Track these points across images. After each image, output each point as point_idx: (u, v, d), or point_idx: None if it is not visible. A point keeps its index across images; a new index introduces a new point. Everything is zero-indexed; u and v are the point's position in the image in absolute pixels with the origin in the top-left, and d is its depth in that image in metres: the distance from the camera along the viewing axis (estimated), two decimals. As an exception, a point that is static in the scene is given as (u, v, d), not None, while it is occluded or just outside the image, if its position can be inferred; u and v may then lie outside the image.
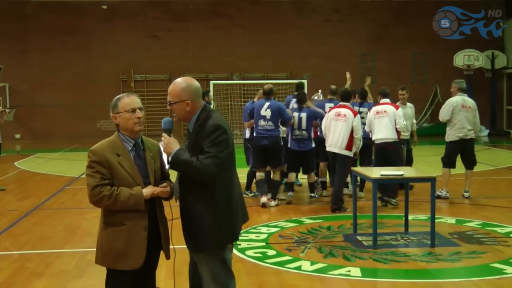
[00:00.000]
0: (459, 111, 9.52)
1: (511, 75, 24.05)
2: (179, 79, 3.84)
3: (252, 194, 9.98)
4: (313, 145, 9.49)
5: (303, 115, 9.35)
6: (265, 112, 9.16)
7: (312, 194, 9.78)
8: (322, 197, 9.91)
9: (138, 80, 23.62)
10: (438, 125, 19.97)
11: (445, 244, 6.83)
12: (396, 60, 23.58)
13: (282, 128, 9.58)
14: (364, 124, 9.40)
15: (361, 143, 8.88)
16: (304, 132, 9.34)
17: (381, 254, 6.42)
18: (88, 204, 3.91)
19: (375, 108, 9.27)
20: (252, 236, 7.24)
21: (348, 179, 9.56)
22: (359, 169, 7.83)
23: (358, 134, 8.64)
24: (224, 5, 23.71)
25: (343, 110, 8.72)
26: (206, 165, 3.60)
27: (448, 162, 9.72)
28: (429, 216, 6.84)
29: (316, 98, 9.92)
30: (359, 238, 7.17)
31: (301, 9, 23.87)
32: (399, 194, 9.48)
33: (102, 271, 3.90)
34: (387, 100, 9.28)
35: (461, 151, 9.68)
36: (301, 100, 9.46)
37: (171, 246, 3.91)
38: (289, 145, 9.50)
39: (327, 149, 8.89)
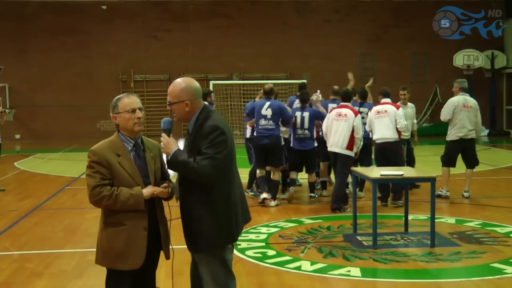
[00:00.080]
0: (460, 110, 9.52)
1: (511, 75, 24.05)
2: (178, 80, 3.84)
3: (253, 193, 9.98)
4: (315, 144, 9.53)
5: (306, 114, 9.42)
6: (266, 111, 9.18)
7: (312, 194, 9.79)
8: (322, 197, 9.91)
9: (137, 80, 23.62)
10: (438, 125, 20.03)
11: (445, 244, 6.83)
12: (395, 60, 23.59)
13: (282, 128, 9.59)
14: (364, 124, 9.40)
15: (362, 143, 8.88)
16: (306, 132, 9.40)
17: (381, 254, 6.42)
18: (88, 204, 3.91)
19: (376, 108, 9.27)
20: (252, 236, 7.25)
21: (349, 179, 9.57)
22: (359, 169, 7.83)
23: (359, 134, 8.65)
24: (223, 5, 23.72)
25: (344, 110, 8.74)
26: (203, 166, 3.60)
27: (448, 161, 9.73)
28: (429, 216, 6.84)
29: (315, 98, 9.94)
30: (359, 238, 7.17)
31: (301, 9, 23.88)
32: (391, 194, 9.50)
33: (102, 271, 3.90)
34: (388, 100, 9.28)
35: (462, 151, 9.69)
36: (304, 100, 9.50)
37: (170, 246, 3.91)
38: (291, 145, 9.54)
39: (329, 149, 8.90)
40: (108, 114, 3.90)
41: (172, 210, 3.91)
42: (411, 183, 9.73)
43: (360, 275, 5.79)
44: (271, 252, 6.60)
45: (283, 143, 9.55)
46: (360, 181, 9.53)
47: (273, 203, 9.18)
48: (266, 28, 23.68)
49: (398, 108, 9.19)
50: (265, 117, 9.19)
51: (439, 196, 9.48)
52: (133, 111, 3.75)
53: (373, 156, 9.72)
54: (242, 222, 3.90)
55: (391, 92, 9.51)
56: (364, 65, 23.31)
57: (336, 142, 8.71)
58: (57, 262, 6.45)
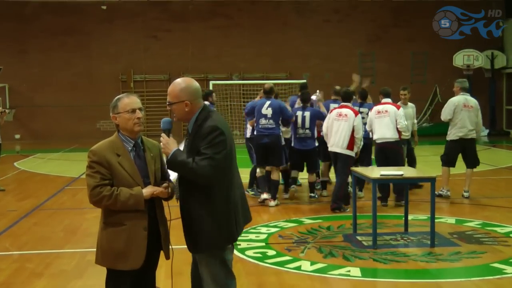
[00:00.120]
0: (461, 110, 9.52)
1: (510, 75, 24.06)
2: (178, 80, 3.84)
3: (253, 193, 9.99)
4: (316, 144, 9.55)
5: (307, 114, 9.46)
6: (266, 110, 9.20)
7: (312, 194, 9.79)
8: (322, 197, 9.91)
9: (137, 80, 23.62)
10: (437, 125, 20.04)
11: (445, 244, 6.83)
12: (395, 60, 23.60)
13: (283, 129, 9.62)
14: (365, 124, 9.41)
15: (362, 143, 8.89)
16: (307, 131, 9.44)
17: (381, 254, 6.42)
18: (88, 204, 3.91)
19: (377, 108, 9.28)
20: (252, 236, 7.25)
21: (350, 179, 9.57)
22: (359, 169, 7.83)
23: (359, 134, 8.66)
24: (223, 5, 23.72)
25: (345, 110, 8.75)
26: (202, 167, 3.59)
27: (447, 161, 9.74)
28: (429, 216, 6.84)
29: (314, 98, 9.96)
30: (359, 238, 7.17)
31: (301, 9, 23.88)
32: (394, 195, 9.51)
33: (102, 271, 3.90)
34: (389, 100, 9.29)
35: (462, 151, 9.70)
36: (305, 100, 9.53)
37: (170, 246, 3.91)
38: (292, 144, 9.57)
39: (329, 149, 8.91)
40: (108, 114, 3.90)
41: (172, 210, 3.92)
42: (414, 184, 9.76)
43: (360, 275, 5.79)
44: (271, 252, 6.60)
45: (283, 143, 9.58)
46: (359, 181, 9.55)
47: (272, 203, 9.18)
48: (266, 28, 23.68)
49: (398, 108, 9.20)
50: (265, 116, 9.21)
51: (440, 196, 9.52)
52: (133, 111, 3.75)
53: (373, 156, 9.73)
54: (243, 222, 3.90)
55: (391, 92, 9.51)
56: (364, 65, 23.31)
57: (336, 142, 8.73)
58: (57, 262, 6.45)
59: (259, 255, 6.49)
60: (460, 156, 9.77)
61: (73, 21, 23.11)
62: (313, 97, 10.02)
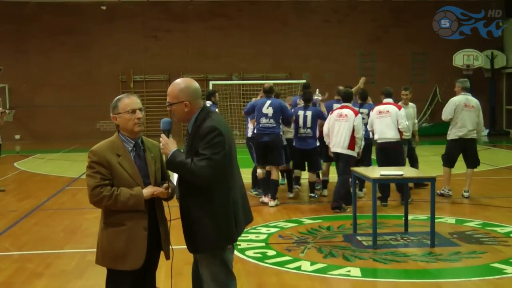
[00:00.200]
0: (461, 110, 9.53)
1: (510, 75, 24.06)
2: (178, 80, 3.84)
3: (256, 193, 9.98)
4: (318, 144, 9.56)
5: (308, 113, 9.48)
6: (267, 110, 9.22)
7: (312, 194, 9.79)
8: (322, 196, 9.92)
9: (137, 80, 23.62)
10: (438, 125, 20.06)
11: (445, 244, 6.83)
12: (395, 60, 23.61)
13: (285, 128, 9.65)
14: (365, 124, 9.42)
15: (363, 142, 8.90)
16: (308, 130, 9.46)
17: (381, 254, 6.42)
18: (88, 205, 3.91)
19: (378, 108, 9.29)
20: (252, 237, 7.25)
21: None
22: (359, 169, 7.83)
23: (359, 134, 8.68)
24: (223, 6, 23.72)
25: (345, 111, 8.78)
26: (200, 167, 3.59)
27: (447, 161, 9.76)
28: (429, 216, 6.84)
29: (314, 97, 9.98)
30: (359, 238, 7.17)
31: (301, 9, 23.88)
32: (398, 195, 9.51)
33: (102, 272, 3.90)
34: (390, 100, 9.30)
35: (463, 151, 9.70)
36: (307, 99, 9.55)
37: (170, 247, 3.91)
38: (293, 143, 9.63)
39: (331, 149, 8.93)
40: (108, 115, 3.90)
41: (172, 210, 3.92)
42: (420, 183, 9.77)
43: (360, 275, 5.79)
44: (271, 252, 6.60)
45: (285, 142, 9.62)
46: (360, 181, 9.56)
47: (272, 203, 9.18)
48: (265, 28, 23.68)
49: (400, 108, 9.20)
50: (266, 115, 9.23)
51: (442, 195, 9.59)
52: (133, 111, 3.75)
53: (373, 156, 9.73)
54: (243, 223, 3.89)
55: (393, 92, 9.52)
56: (364, 65, 23.32)
57: (338, 142, 8.76)
58: (57, 263, 6.45)
59: (259, 255, 6.49)
60: (460, 156, 9.78)
61: (73, 21, 23.12)
62: (316, 97, 10.05)
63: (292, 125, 9.59)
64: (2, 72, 22.32)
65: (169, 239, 3.93)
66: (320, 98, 10.16)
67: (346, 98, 9.07)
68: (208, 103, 10.27)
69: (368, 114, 9.65)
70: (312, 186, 9.82)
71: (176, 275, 4.12)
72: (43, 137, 23.06)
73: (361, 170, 7.66)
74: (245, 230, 3.97)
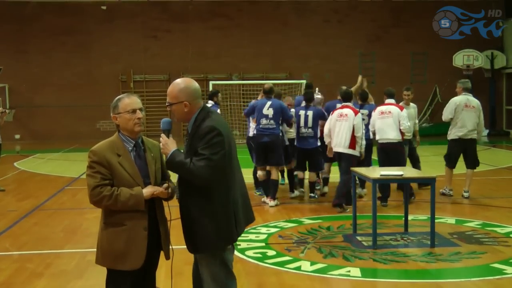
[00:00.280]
0: (462, 110, 9.53)
1: (510, 75, 24.06)
2: (177, 80, 3.84)
3: (259, 193, 9.98)
4: (319, 144, 9.57)
5: (310, 113, 9.51)
6: (267, 111, 9.23)
7: (312, 194, 9.80)
8: (322, 194, 9.93)
9: (137, 80, 23.62)
10: (438, 125, 20.05)
11: (445, 244, 6.83)
12: (395, 60, 23.61)
13: (287, 128, 9.66)
14: (366, 125, 9.43)
15: (364, 141, 8.91)
16: (309, 130, 9.49)
17: (381, 255, 6.42)
18: (88, 205, 3.91)
19: (380, 108, 9.30)
20: (252, 237, 7.25)
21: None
22: (359, 169, 7.84)
23: (359, 133, 8.69)
24: (223, 6, 23.72)
25: (345, 110, 8.80)
26: (199, 167, 3.59)
27: (449, 161, 9.80)
28: (429, 216, 6.84)
29: (319, 97, 10.03)
30: (359, 238, 7.17)
31: (301, 9, 23.87)
32: (398, 195, 9.51)
33: (102, 272, 3.91)
34: (392, 101, 9.31)
35: (463, 151, 9.71)
36: (308, 99, 9.56)
37: (170, 247, 3.91)
38: (295, 143, 9.67)
39: (333, 149, 8.93)
40: (108, 114, 3.90)
41: (172, 210, 3.92)
42: (424, 183, 9.79)
43: (360, 275, 5.79)
44: (271, 252, 6.60)
45: (287, 143, 9.63)
46: (360, 180, 9.56)
47: (272, 202, 9.18)
48: (265, 28, 23.68)
49: (402, 109, 9.20)
50: (266, 116, 9.24)
51: (443, 194, 9.65)
52: (134, 111, 3.75)
53: (374, 157, 9.73)
54: (244, 223, 3.89)
55: (395, 92, 9.52)
56: (364, 65, 23.30)
57: (339, 142, 8.78)
58: (57, 262, 6.45)
59: (259, 255, 6.49)
60: (460, 156, 9.78)
61: (73, 21, 23.12)
62: (318, 96, 10.08)
63: (295, 126, 9.62)
64: (2, 72, 22.32)
65: (169, 239, 3.93)
66: (321, 97, 10.16)
67: (346, 97, 9.10)
68: (210, 103, 10.27)
69: (368, 115, 9.66)
70: (312, 186, 9.82)
71: (176, 275, 4.12)
72: (43, 137, 23.06)
73: (361, 170, 7.66)
74: (245, 230, 3.96)
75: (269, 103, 9.30)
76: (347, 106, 8.90)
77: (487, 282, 5.55)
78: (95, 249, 3.82)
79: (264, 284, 5.63)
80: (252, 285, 5.58)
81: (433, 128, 21.37)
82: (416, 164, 10.04)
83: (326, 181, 10.21)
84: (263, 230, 7.63)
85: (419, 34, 23.29)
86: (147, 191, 3.71)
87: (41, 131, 23.27)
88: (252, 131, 9.99)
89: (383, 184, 8.75)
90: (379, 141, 9.22)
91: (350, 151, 8.72)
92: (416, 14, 23.60)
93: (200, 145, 3.64)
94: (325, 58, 23.50)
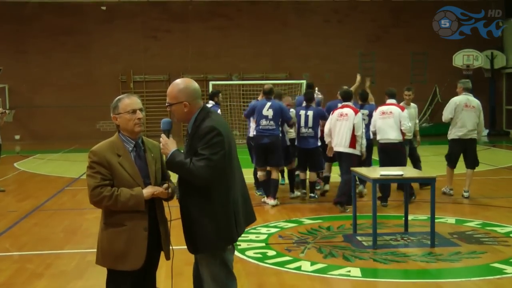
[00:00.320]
0: (462, 110, 9.54)
1: (510, 75, 24.06)
2: (177, 81, 3.83)
3: (260, 193, 9.99)
4: (319, 143, 9.58)
5: (310, 113, 9.53)
6: (267, 112, 9.23)
7: (312, 194, 9.80)
8: (323, 193, 9.93)
9: (137, 80, 23.62)
10: (437, 125, 20.04)
11: (445, 244, 6.83)
12: (395, 60, 23.60)
13: (287, 128, 9.67)
14: (366, 125, 9.43)
15: (365, 141, 8.92)
16: (310, 130, 9.50)
17: (381, 254, 6.42)
18: (88, 205, 3.92)
19: (381, 108, 9.31)
20: (252, 237, 7.25)
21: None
22: (359, 169, 7.84)
23: (359, 131, 8.70)
24: (223, 6, 23.71)
25: (345, 110, 8.82)
26: (198, 167, 3.59)
27: (450, 161, 9.82)
28: (429, 216, 6.84)
29: (320, 97, 10.05)
30: (359, 238, 7.17)
31: (301, 9, 23.87)
32: (398, 194, 9.51)
33: (102, 272, 3.91)
34: (393, 101, 9.32)
35: (464, 151, 9.72)
36: (309, 99, 9.57)
37: (170, 247, 3.91)
38: (295, 143, 9.68)
39: (334, 149, 8.94)
40: (108, 115, 3.90)
41: (172, 210, 3.92)
42: (425, 183, 9.80)
43: (360, 275, 5.79)
44: (271, 253, 6.60)
45: (289, 143, 9.64)
46: (360, 180, 9.56)
47: (272, 202, 9.19)
48: (265, 28, 23.67)
49: (403, 109, 9.21)
50: (266, 117, 9.24)
51: (444, 193, 9.71)
52: (134, 111, 3.75)
53: (375, 157, 9.73)
54: (244, 223, 3.88)
55: (396, 93, 9.53)
56: (364, 65, 23.30)
57: (339, 141, 8.80)
58: (57, 263, 6.45)
59: (259, 255, 6.49)
60: (460, 156, 9.80)
61: (73, 21, 23.12)
62: (319, 96, 10.09)
63: (295, 126, 9.63)
64: (2, 72, 22.31)
65: (169, 239, 3.93)
66: (321, 97, 10.17)
67: (346, 97, 9.12)
68: (211, 103, 10.27)
69: (369, 115, 9.67)
70: (312, 186, 9.82)
71: (176, 276, 4.12)
72: (43, 137, 23.05)
73: (361, 170, 7.66)
74: (245, 230, 3.96)
75: (268, 104, 9.30)
76: (347, 106, 8.91)
77: (487, 282, 5.55)
78: (95, 250, 3.82)
79: (264, 284, 5.63)
80: (252, 285, 5.58)
81: (433, 128, 21.37)
82: (417, 164, 10.05)
83: (327, 179, 10.22)
84: (263, 230, 7.63)
85: (419, 34, 23.29)
86: (147, 191, 3.71)
87: (41, 132, 23.27)
88: (252, 131, 10.00)
89: (383, 184, 8.75)
90: (380, 141, 9.23)
91: (350, 150, 8.73)
92: (416, 14, 23.60)
93: (200, 145, 3.64)
94: (325, 58, 23.50)
